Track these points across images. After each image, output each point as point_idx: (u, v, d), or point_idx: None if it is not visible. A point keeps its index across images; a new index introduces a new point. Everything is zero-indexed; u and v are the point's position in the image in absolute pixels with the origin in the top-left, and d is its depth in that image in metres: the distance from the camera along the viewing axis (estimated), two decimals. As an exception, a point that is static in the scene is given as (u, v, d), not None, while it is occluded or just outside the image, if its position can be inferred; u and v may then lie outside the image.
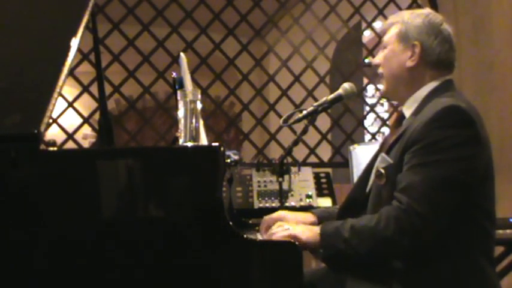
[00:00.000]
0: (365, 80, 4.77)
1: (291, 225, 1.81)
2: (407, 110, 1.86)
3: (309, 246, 1.74)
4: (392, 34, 1.90)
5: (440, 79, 1.85)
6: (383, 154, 1.82)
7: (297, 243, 1.64)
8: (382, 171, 1.78)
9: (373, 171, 1.87)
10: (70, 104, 3.69)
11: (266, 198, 3.11)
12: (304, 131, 2.17)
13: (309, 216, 2.02)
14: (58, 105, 1.74)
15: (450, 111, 1.70)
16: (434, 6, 4.18)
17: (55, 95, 1.64)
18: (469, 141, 1.69)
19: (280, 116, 3.27)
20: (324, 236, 1.74)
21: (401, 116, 1.91)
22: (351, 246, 1.69)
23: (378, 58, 1.94)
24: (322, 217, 2.02)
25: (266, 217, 2.03)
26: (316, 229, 1.77)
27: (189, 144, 1.68)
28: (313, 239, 1.74)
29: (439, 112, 1.69)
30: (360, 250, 1.68)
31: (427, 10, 1.94)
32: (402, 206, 1.66)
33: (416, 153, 1.70)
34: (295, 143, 2.22)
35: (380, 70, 1.93)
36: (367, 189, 1.89)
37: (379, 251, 1.69)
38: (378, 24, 4.21)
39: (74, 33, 1.81)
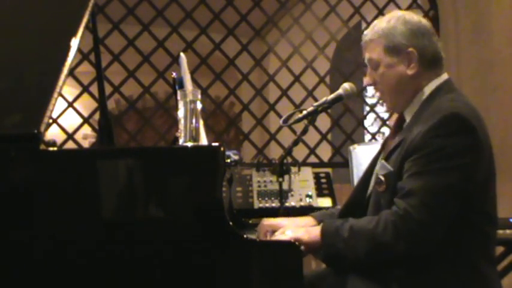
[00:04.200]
0: (365, 80, 4.77)
1: (292, 229, 1.82)
2: (408, 114, 1.85)
3: (311, 247, 1.74)
4: (379, 51, 1.84)
5: (438, 79, 1.83)
6: (383, 161, 1.82)
7: (301, 246, 1.64)
8: (382, 178, 1.77)
9: (373, 176, 1.87)
10: (70, 104, 3.69)
11: (266, 198, 3.11)
12: (304, 131, 2.17)
13: (309, 221, 2.01)
14: (58, 105, 1.74)
15: (450, 119, 1.68)
16: (434, 6, 4.18)
17: (55, 95, 1.64)
18: (469, 149, 1.68)
19: (280, 116, 3.27)
20: (325, 235, 1.74)
21: (401, 119, 1.90)
22: (349, 246, 1.70)
23: (371, 78, 1.89)
24: (322, 221, 2.01)
25: (265, 223, 1.96)
26: (317, 229, 1.78)
27: (189, 144, 1.68)
28: (314, 238, 1.75)
29: (439, 120, 1.68)
30: (358, 251, 1.69)
31: (398, 13, 1.87)
32: (400, 211, 1.67)
33: (416, 161, 1.69)
34: (295, 143, 2.21)
35: (379, 88, 1.89)
36: (368, 193, 1.89)
37: (376, 254, 1.69)
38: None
39: (74, 33, 1.81)
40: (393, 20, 1.85)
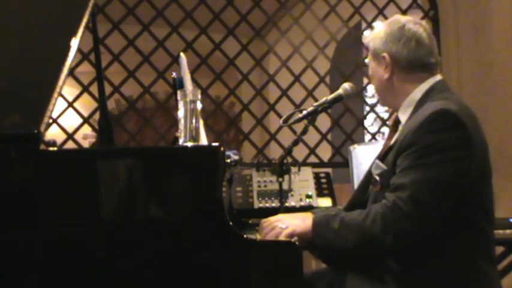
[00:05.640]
0: (365, 80, 4.78)
1: (283, 221, 1.81)
2: (403, 115, 1.88)
3: (304, 237, 1.75)
4: (370, 53, 1.96)
5: (429, 81, 1.86)
6: (377, 161, 1.84)
7: (294, 240, 1.65)
8: (377, 177, 1.80)
9: None
10: (70, 104, 3.69)
11: (266, 198, 3.11)
12: (304, 131, 2.17)
13: (308, 217, 2.02)
14: (58, 105, 1.74)
15: (439, 115, 1.71)
16: (434, 6, 4.18)
17: (55, 95, 1.64)
18: (459, 144, 1.70)
19: (280, 116, 3.27)
20: (316, 226, 1.76)
21: (397, 121, 1.93)
22: (339, 237, 1.72)
23: None
24: None
25: (264, 224, 1.92)
26: (310, 219, 1.79)
27: (189, 144, 1.68)
28: (307, 228, 1.77)
29: (428, 117, 1.71)
30: (347, 242, 1.71)
31: (392, 18, 1.96)
32: (389, 203, 1.69)
33: (407, 157, 1.71)
34: (295, 143, 2.21)
35: None
36: (368, 193, 1.90)
37: (364, 246, 1.72)
38: (378, 24, 4.20)
39: (74, 33, 1.81)
40: (383, 25, 1.94)
